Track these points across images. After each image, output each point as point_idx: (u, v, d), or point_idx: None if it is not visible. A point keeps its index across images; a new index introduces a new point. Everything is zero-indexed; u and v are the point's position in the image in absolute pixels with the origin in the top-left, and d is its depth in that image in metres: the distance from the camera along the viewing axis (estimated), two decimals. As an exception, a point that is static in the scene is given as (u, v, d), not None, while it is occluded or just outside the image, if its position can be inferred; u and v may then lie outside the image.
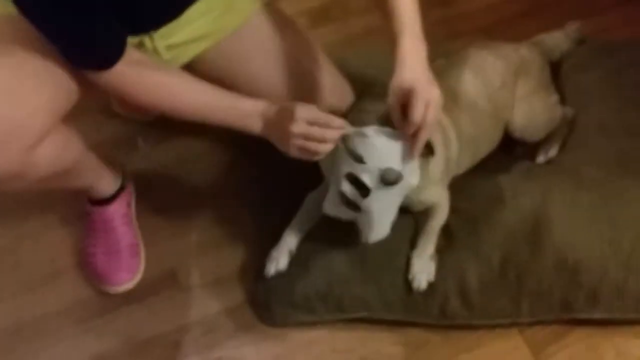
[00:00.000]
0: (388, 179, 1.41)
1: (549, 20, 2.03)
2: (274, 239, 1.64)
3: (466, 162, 1.68)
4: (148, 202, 1.83)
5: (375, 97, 1.52)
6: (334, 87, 1.72)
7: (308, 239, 1.65)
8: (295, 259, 1.60)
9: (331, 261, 1.62)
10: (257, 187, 1.82)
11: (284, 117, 1.35)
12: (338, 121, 1.35)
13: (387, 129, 1.40)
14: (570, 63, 1.89)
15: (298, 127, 1.33)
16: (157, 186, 1.88)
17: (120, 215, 1.72)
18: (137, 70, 1.35)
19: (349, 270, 1.62)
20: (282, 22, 1.62)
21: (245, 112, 1.40)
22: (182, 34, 1.49)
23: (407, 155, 1.41)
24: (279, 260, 1.63)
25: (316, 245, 1.63)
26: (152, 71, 1.38)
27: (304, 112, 1.33)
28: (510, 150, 1.74)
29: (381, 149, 1.41)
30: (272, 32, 1.59)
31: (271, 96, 1.48)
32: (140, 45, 1.44)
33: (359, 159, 1.41)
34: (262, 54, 1.59)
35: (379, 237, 1.49)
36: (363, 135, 1.41)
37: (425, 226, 1.62)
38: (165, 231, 1.81)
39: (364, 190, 1.43)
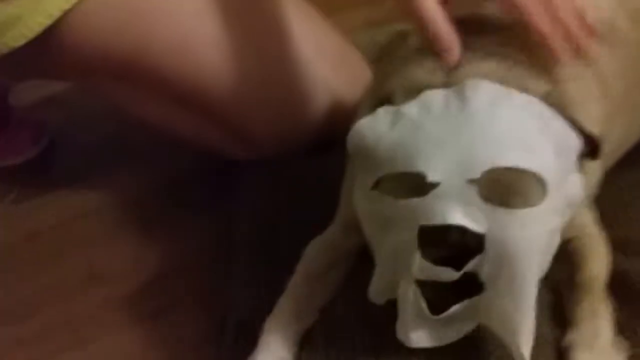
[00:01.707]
0: (504, 194, 0.59)
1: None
2: (246, 341, 0.76)
3: (617, 143, 0.81)
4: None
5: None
6: (340, 58, 0.95)
7: (317, 336, 0.75)
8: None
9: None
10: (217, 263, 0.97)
11: None
12: None
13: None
14: None
15: None
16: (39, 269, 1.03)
17: None
18: None
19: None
20: None
21: None
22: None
23: (531, 124, 0.61)
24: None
25: (337, 346, 0.73)
26: None
27: None
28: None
29: (460, 132, 0.61)
30: None
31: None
32: None
33: (420, 185, 0.59)
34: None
35: (531, 337, 0.63)
36: (402, 119, 0.63)
37: (579, 282, 0.73)
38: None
39: (466, 245, 0.60)
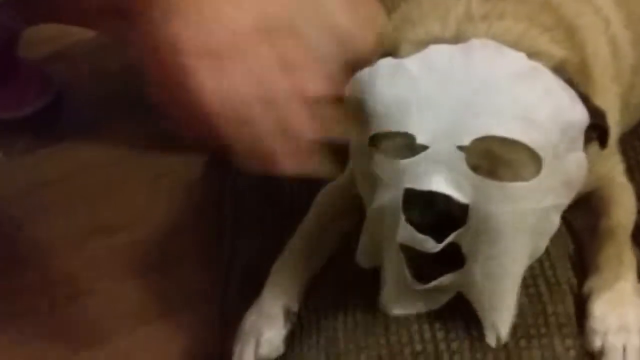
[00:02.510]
0: (494, 165, 0.55)
1: None
2: (251, 287, 0.71)
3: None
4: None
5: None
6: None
7: (326, 284, 0.70)
8: (303, 330, 0.67)
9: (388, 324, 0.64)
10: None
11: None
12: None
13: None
14: None
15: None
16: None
17: None
18: None
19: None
20: None
21: None
22: None
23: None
24: (263, 335, 0.67)
25: (347, 295, 0.68)
26: None
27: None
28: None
29: (457, 94, 0.56)
30: None
31: None
32: None
33: (410, 143, 0.56)
34: None
35: (509, 318, 0.60)
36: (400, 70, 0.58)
37: (604, 229, 0.68)
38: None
39: (449, 215, 0.56)
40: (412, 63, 0.59)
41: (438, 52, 0.58)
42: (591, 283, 0.64)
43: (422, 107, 0.56)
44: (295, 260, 0.71)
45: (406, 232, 0.57)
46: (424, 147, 0.56)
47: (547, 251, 0.66)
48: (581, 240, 0.68)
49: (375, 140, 0.59)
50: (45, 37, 1.28)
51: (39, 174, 1.11)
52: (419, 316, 0.65)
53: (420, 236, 0.56)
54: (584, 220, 0.69)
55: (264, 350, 0.67)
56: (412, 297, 0.62)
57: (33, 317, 0.86)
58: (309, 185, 0.79)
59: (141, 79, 1.25)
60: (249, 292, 0.73)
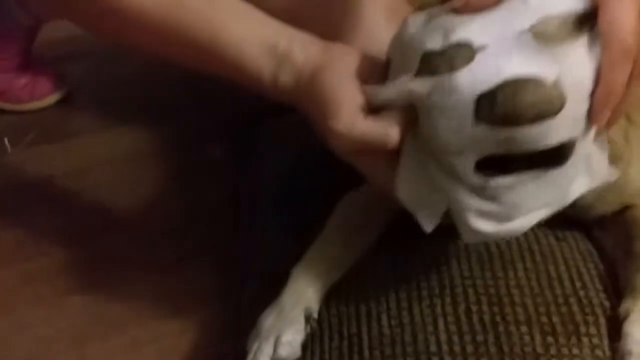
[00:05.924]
0: None
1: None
2: (269, 290, 0.65)
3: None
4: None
5: None
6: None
7: (349, 288, 0.66)
8: (323, 334, 0.63)
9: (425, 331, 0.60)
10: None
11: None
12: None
13: None
14: None
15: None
16: (34, 221, 0.93)
17: None
18: None
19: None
20: None
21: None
22: None
23: None
24: (283, 335, 0.61)
25: (372, 301, 0.63)
26: None
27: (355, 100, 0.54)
28: None
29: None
30: None
31: None
32: None
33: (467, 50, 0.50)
34: None
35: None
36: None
37: (636, 253, 0.62)
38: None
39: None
40: None
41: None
42: (627, 304, 0.59)
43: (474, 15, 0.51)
44: (316, 267, 0.66)
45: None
46: (482, 48, 0.49)
47: (578, 271, 0.62)
48: (612, 261, 0.64)
49: (425, 64, 0.51)
50: (60, 38, 1.24)
51: (46, 168, 1.04)
52: (447, 327, 0.60)
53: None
54: (615, 241, 0.64)
55: (284, 351, 0.61)
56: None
57: (36, 306, 0.79)
58: (331, 192, 0.74)
59: (150, 84, 1.19)
60: (265, 295, 0.68)
